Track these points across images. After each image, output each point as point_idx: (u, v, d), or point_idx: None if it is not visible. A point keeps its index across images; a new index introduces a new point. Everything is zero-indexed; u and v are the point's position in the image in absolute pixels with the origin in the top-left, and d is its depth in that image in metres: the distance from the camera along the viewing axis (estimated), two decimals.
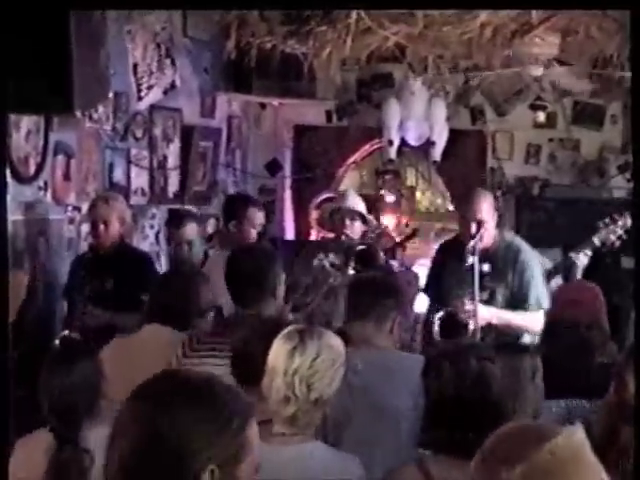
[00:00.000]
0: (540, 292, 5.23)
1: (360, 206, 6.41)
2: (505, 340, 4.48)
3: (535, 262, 5.33)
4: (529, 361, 3.48)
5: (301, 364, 2.94)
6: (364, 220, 6.42)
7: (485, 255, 5.19)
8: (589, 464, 1.57)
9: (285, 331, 3.07)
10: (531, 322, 5.08)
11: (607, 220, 5.56)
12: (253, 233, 6.05)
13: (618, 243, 5.57)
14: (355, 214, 6.36)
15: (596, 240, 5.61)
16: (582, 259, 5.68)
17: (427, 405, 2.92)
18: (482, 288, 5.12)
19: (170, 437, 1.59)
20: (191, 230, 6.10)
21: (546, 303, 5.17)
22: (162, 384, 1.70)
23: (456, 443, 2.78)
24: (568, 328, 4.04)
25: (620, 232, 5.53)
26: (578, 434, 1.58)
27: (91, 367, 3.31)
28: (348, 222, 6.31)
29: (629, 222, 5.45)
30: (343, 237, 6.27)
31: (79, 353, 3.37)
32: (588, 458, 1.57)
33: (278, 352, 3.00)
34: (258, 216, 6.08)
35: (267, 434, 2.86)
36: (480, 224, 5.12)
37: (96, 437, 3.17)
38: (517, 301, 5.22)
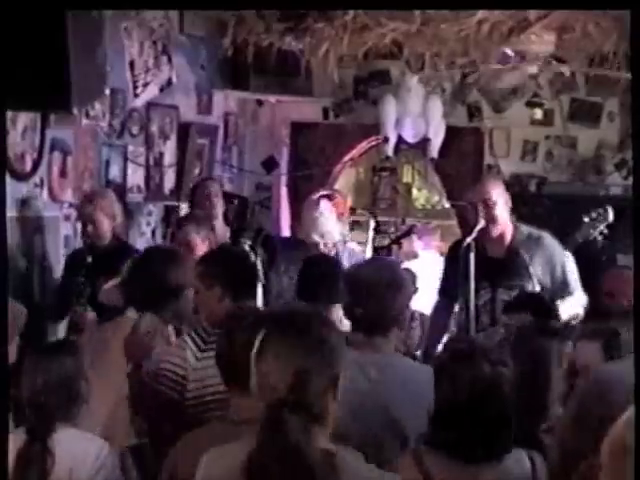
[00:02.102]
0: (575, 273, 5.16)
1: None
2: (530, 324, 4.20)
3: (558, 245, 5.24)
4: (556, 346, 3.45)
5: None
6: None
7: (507, 251, 5.16)
8: None
9: None
10: (578, 306, 5.02)
11: (593, 215, 5.47)
12: (207, 199, 6.29)
13: (600, 238, 5.47)
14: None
15: (578, 237, 5.50)
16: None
17: (436, 407, 2.89)
18: (509, 287, 5.06)
19: (315, 357, 2.27)
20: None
21: (579, 282, 5.11)
22: (293, 319, 2.37)
23: (462, 445, 2.78)
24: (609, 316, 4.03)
25: (601, 227, 5.42)
26: None
27: (72, 366, 3.27)
28: None
29: (611, 217, 5.36)
30: None
31: (61, 351, 3.34)
32: None
33: None
34: (211, 184, 6.50)
35: None
36: (486, 204, 5.10)
37: (66, 439, 3.17)
38: (556, 289, 5.10)
